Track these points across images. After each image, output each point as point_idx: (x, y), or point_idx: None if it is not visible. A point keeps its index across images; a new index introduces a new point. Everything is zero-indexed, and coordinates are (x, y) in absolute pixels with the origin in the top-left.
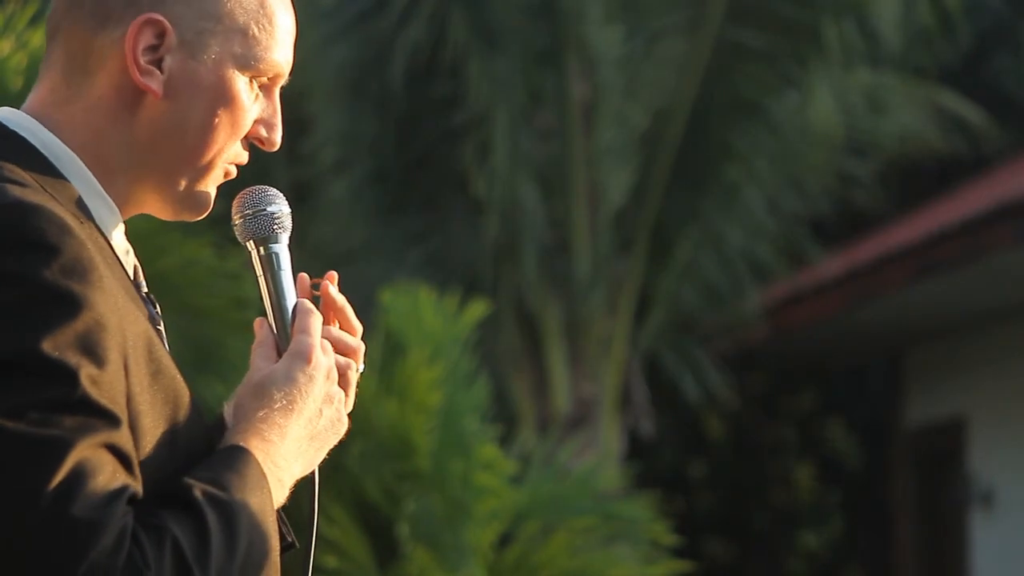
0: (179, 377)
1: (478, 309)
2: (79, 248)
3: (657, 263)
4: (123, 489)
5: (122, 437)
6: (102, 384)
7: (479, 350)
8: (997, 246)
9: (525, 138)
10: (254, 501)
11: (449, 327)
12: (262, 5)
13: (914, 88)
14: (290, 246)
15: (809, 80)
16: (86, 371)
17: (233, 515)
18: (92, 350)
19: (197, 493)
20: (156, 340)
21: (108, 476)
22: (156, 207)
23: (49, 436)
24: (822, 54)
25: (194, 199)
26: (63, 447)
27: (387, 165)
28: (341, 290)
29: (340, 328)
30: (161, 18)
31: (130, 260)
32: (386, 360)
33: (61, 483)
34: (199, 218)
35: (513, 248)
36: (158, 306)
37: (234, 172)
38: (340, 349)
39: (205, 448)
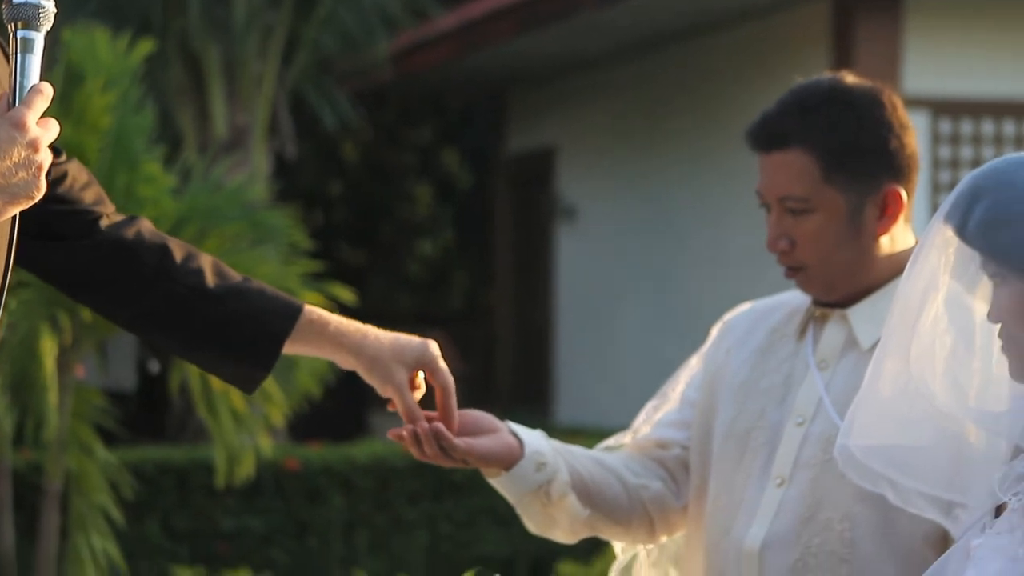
0: None
1: (146, 47)
2: None
3: (302, 14)
4: None
5: None
6: None
7: (148, 83)
8: (586, 4)
9: None
10: None
11: (121, 62)
12: None
13: None
14: None
15: None
16: None
17: None
18: None
19: None
20: None
21: None
22: None
23: None
24: None
25: None
26: None
27: None
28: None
29: None
30: None
31: None
32: (65, 89)
33: None
34: None
35: None
36: None
37: None
38: None
39: None
